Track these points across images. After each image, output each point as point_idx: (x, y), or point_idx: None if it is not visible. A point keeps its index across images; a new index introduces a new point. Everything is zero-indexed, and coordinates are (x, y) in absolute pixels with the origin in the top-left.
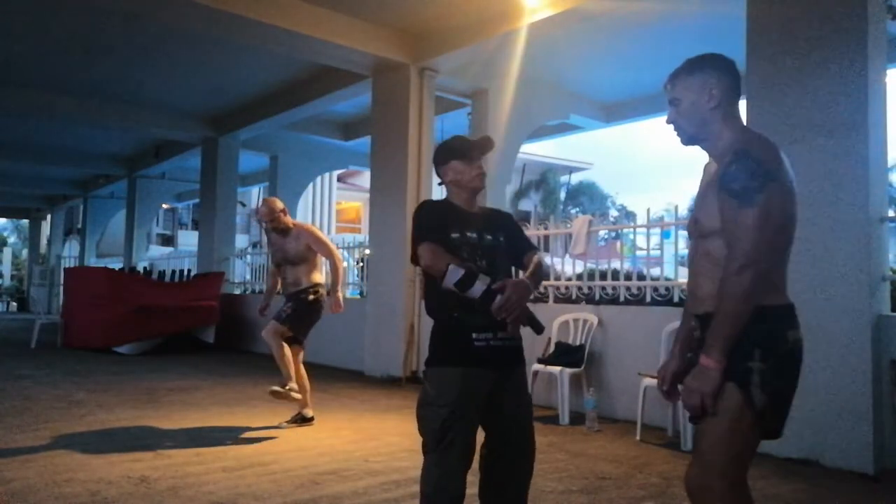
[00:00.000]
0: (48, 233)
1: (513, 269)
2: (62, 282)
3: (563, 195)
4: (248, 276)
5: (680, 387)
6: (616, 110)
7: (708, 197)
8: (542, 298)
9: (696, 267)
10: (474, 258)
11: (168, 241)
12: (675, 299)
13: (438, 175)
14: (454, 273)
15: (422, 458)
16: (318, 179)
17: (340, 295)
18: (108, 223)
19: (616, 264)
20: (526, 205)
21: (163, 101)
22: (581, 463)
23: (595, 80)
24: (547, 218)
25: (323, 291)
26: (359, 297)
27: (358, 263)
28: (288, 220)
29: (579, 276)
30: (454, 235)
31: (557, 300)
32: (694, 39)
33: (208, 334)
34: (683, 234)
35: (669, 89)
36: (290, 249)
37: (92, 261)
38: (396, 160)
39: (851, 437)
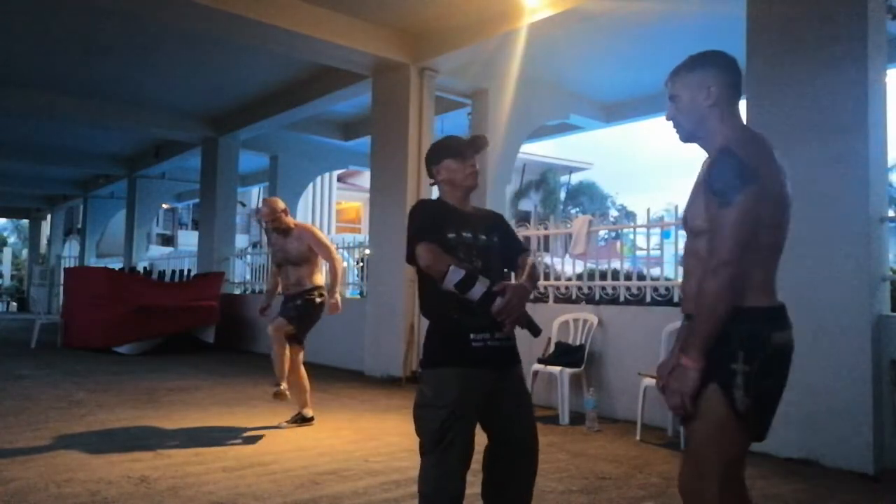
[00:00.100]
0: (48, 233)
1: (504, 270)
2: (62, 282)
3: (563, 195)
4: (248, 277)
5: None
6: (616, 110)
7: (698, 196)
8: (542, 298)
9: (687, 266)
10: (470, 258)
11: (168, 241)
12: (675, 299)
13: (430, 175)
14: (455, 274)
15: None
16: (318, 179)
17: (339, 296)
18: (108, 223)
19: (616, 264)
20: (526, 205)
21: (163, 101)
22: (581, 463)
23: (595, 80)
24: (547, 218)
25: (325, 293)
26: (359, 297)
27: (358, 263)
28: (289, 220)
29: (579, 276)
30: (450, 235)
31: (557, 300)
32: (694, 39)
33: (208, 334)
34: (683, 234)
35: (670, 86)
36: (292, 250)
37: (92, 261)
38: (396, 160)
39: (851, 437)
